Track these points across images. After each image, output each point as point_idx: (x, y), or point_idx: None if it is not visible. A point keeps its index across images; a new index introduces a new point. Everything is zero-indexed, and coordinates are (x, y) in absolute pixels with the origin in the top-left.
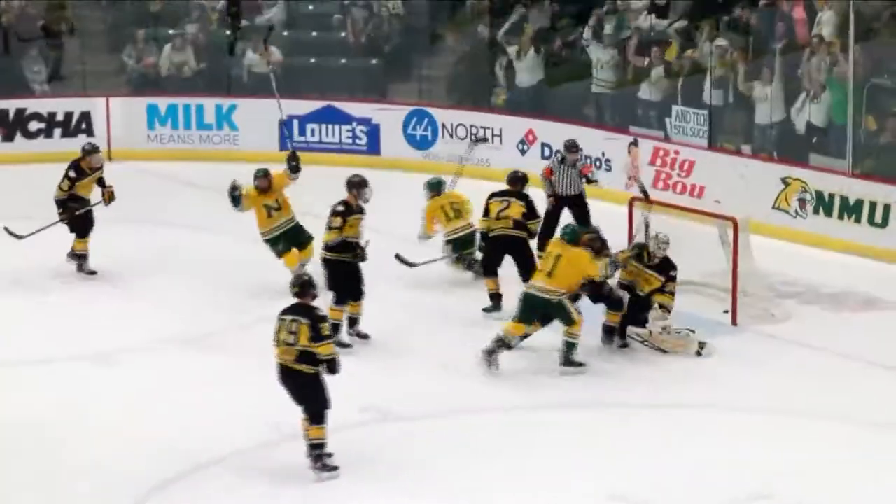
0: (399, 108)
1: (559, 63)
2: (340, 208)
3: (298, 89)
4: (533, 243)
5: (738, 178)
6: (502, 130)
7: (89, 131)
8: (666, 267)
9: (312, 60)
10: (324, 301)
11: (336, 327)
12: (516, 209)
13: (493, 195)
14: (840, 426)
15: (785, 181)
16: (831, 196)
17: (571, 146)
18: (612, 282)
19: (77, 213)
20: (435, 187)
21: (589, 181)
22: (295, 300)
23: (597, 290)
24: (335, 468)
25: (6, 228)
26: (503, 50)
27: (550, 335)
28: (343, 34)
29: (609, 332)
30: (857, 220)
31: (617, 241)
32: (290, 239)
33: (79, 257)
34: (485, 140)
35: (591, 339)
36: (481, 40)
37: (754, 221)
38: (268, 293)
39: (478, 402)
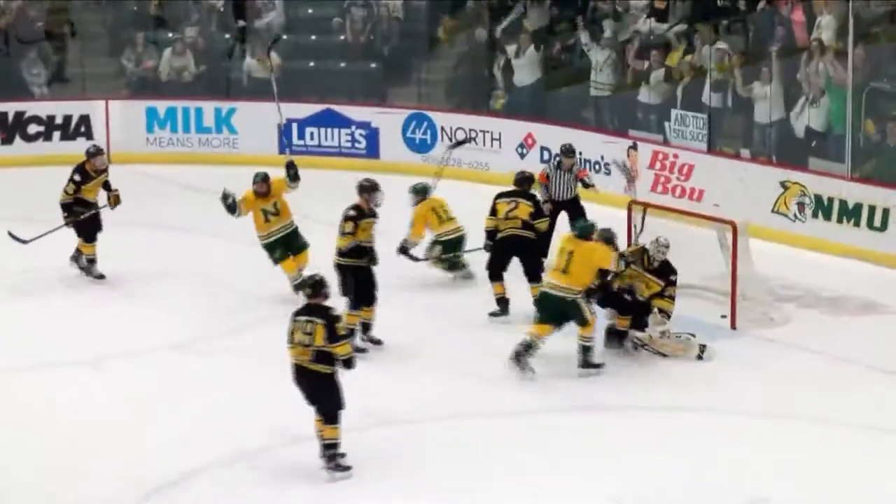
0: (398, 112)
1: (557, 67)
2: (352, 213)
3: (298, 93)
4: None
5: (738, 181)
6: (501, 134)
7: (88, 134)
8: (666, 271)
9: (312, 64)
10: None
11: (351, 332)
12: (524, 210)
13: (500, 195)
14: (839, 430)
15: (784, 185)
16: (830, 200)
17: (568, 151)
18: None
19: (82, 217)
20: (421, 192)
21: (586, 185)
22: (307, 301)
23: (606, 288)
24: (348, 468)
25: (10, 233)
26: (502, 49)
27: (552, 339)
28: (342, 37)
29: (619, 336)
30: (857, 224)
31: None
32: (286, 245)
33: (88, 261)
34: (466, 141)
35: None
36: (480, 42)
37: (753, 225)
38: (267, 295)
39: (479, 405)
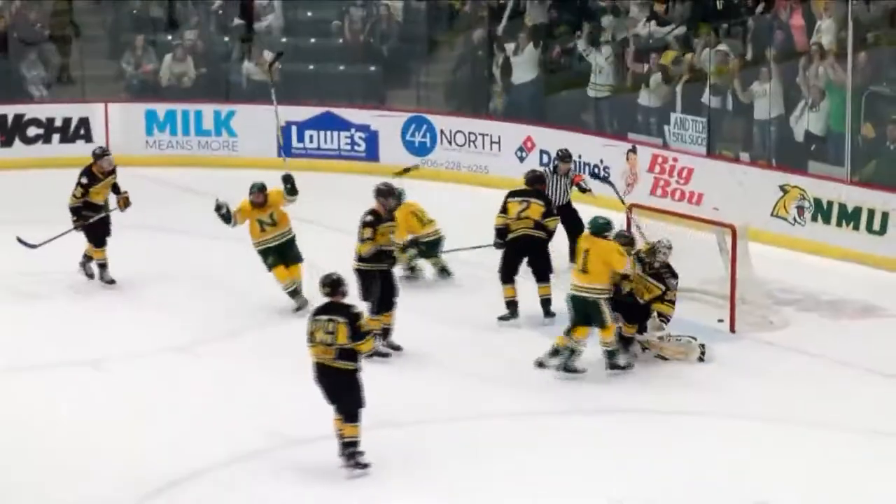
0: (398, 115)
1: (556, 70)
2: (370, 218)
3: (297, 96)
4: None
5: (737, 185)
6: (501, 137)
7: (88, 137)
8: (667, 275)
9: (311, 67)
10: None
11: (377, 334)
12: (536, 210)
13: (511, 194)
14: (838, 433)
15: (783, 188)
16: (829, 203)
17: (565, 156)
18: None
19: (91, 220)
20: (399, 196)
21: (582, 190)
22: (326, 300)
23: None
24: (367, 465)
25: (19, 238)
26: (501, 47)
27: (549, 343)
28: (341, 40)
29: (626, 342)
30: (856, 228)
31: None
32: (280, 253)
33: (99, 266)
34: (416, 167)
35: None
36: (479, 42)
37: (753, 229)
38: (267, 298)
39: (480, 406)
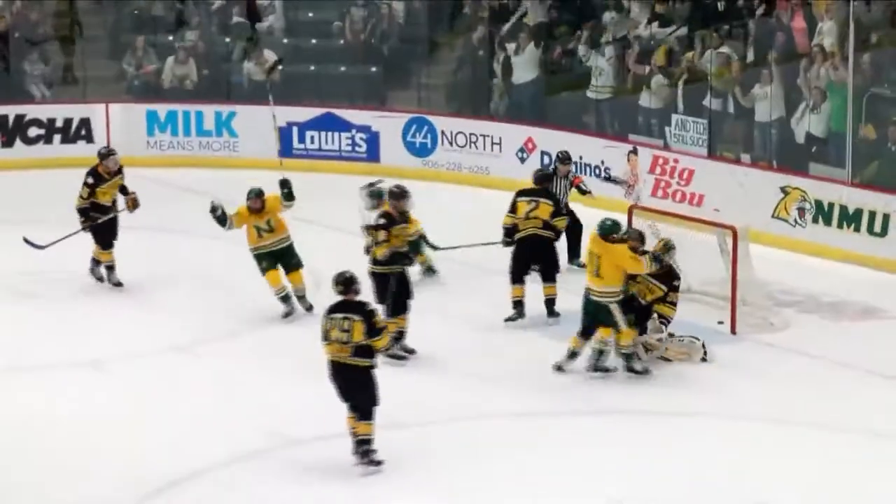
0: (398, 116)
1: (557, 72)
2: (382, 221)
3: (298, 97)
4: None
5: (738, 186)
6: (502, 138)
7: (89, 138)
8: (669, 277)
9: (312, 68)
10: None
11: (395, 339)
12: (545, 209)
13: (520, 193)
14: (838, 434)
15: (784, 190)
16: (830, 205)
17: (565, 158)
18: None
19: (99, 221)
20: (377, 195)
21: (582, 192)
22: (340, 298)
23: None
24: (380, 462)
25: (26, 239)
26: (502, 47)
27: (554, 342)
28: (342, 41)
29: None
30: (857, 230)
31: None
32: (277, 258)
33: (107, 268)
34: (379, 181)
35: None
36: (480, 41)
37: (753, 230)
38: (267, 298)
39: (480, 406)
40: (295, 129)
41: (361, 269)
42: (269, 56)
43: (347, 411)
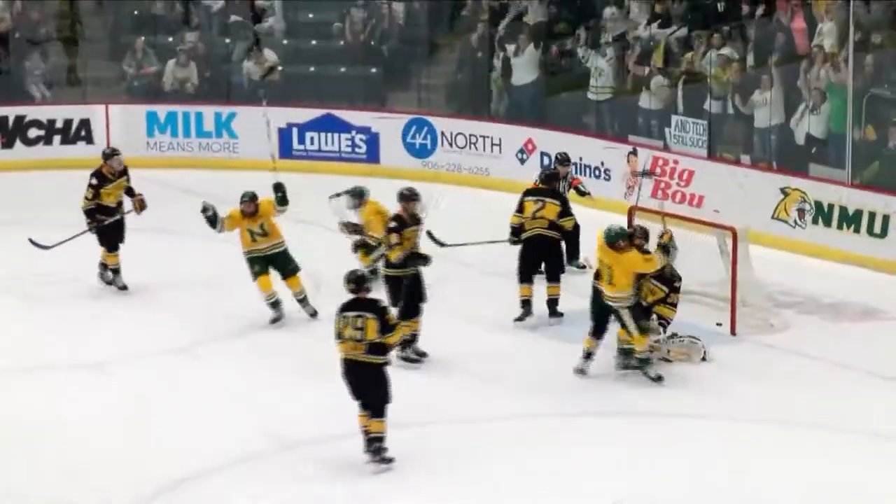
0: (398, 117)
1: (557, 72)
2: (394, 224)
3: (298, 97)
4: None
5: (738, 187)
6: (502, 139)
7: (89, 139)
8: (671, 277)
9: (312, 69)
10: None
11: (407, 342)
12: (552, 210)
13: (528, 192)
14: (838, 435)
15: (784, 191)
16: (830, 206)
17: (564, 159)
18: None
19: (104, 223)
20: (359, 195)
21: (581, 193)
22: (352, 296)
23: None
24: (392, 460)
25: (31, 240)
26: (501, 47)
27: (554, 342)
28: (342, 42)
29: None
30: (857, 231)
31: None
32: (269, 263)
33: (112, 271)
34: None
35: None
36: (479, 43)
37: (753, 231)
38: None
39: (480, 407)
40: (295, 130)
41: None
42: (270, 56)
43: (359, 409)
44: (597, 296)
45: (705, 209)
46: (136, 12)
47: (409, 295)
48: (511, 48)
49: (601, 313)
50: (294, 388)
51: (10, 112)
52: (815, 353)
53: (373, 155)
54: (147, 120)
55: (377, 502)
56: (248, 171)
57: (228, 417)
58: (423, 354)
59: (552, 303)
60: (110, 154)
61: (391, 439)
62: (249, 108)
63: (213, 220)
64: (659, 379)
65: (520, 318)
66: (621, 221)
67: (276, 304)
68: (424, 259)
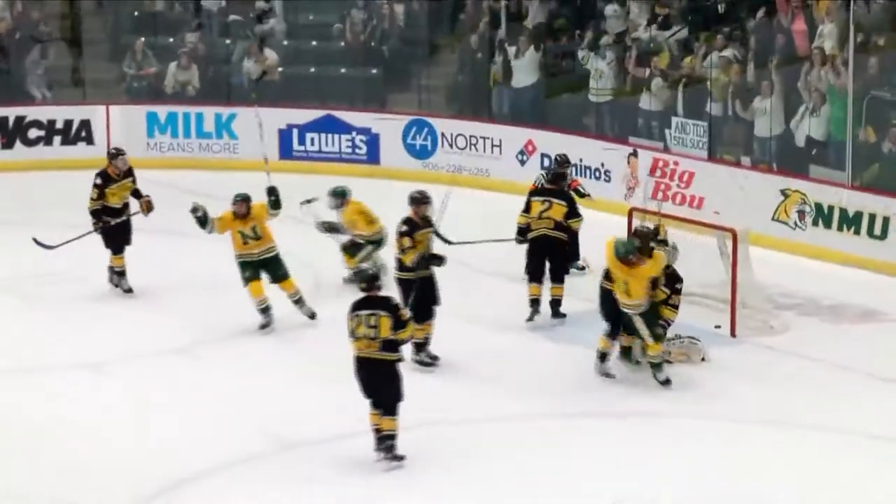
0: (399, 118)
1: (557, 74)
2: (405, 228)
3: (298, 98)
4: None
5: (738, 189)
6: (502, 141)
7: (89, 139)
8: (672, 280)
9: (312, 70)
10: None
11: (420, 346)
12: (558, 210)
13: (534, 192)
14: (838, 437)
15: (784, 193)
16: (830, 208)
17: (563, 161)
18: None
19: (110, 224)
20: (341, 195)
21: (580, 195)
22: (364, 294)
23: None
24: (403, 457)
25: (35, 239)
26: (502, 50)
27: (555, 344)
28: (342, 43)
29: (624, 351)
30: (857, 232)
31: None
32: (261, 268)
33: (117, 274)
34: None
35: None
36: (480, 44)
37: (753, 233)
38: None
39: (480, 408)
40: (295, 131)
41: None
42: (270, 55)
43: (370, 408)
44: (607, 297)
45: (705, 211)
46: (136, 13)
47: (423, 298)
48: (512, 51)
49: (614, 314)
50: (294, 388)
51: (11, 112)
52: (814, 355)
53: (373, 156)
54: (147, 121)
55: (377, 502)
56: (248, 171)
57: (228, 417)
58: (435, 358)
59: (555, 303)
60: (115, 154)
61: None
62: (249, 109)
63: (202, 221)
64: (667, 383)
65: (530, 318)
66: (621, 222)
67: (266, 310)
68: (439, 259)
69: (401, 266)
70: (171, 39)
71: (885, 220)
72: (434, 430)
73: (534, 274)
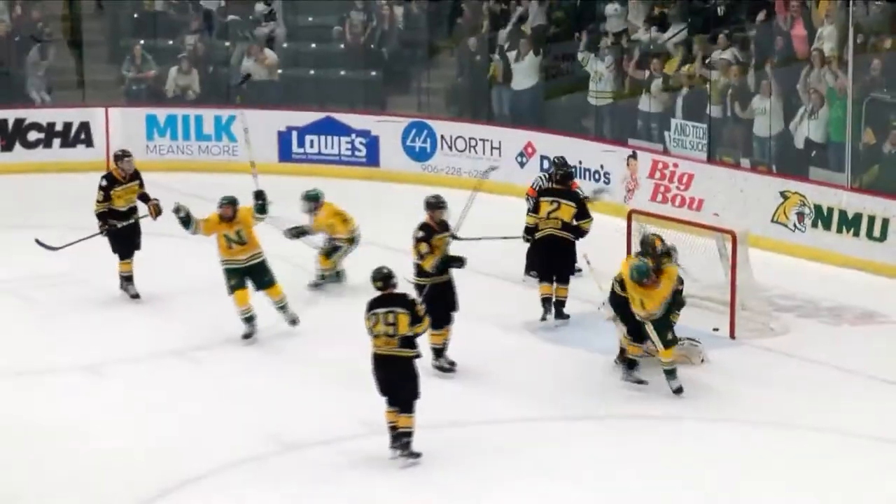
0: (398, 120)
1: (557, 76)
2: (421, 234)
3: (298, 100)
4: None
5: (737, 191)
6: (501, 143)
7: (88, 142)
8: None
9: (312, 72)
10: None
11: (439, 351)
12: (566, 211)
13: (543, 192)
14: (838, 438)
15: (784, 195)
16: (830, 210)
17: (561, 164)
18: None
19: (117, 227)
20: (314, 198)
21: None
22: (380, 293)
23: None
24: (419, 455)
25: (38, 241)
26: (502, 54)
27: (555, 345)
28: (342, 45)
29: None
30: (856, 234)
31: (616, 254)
32: (246, 275)
33: (124, 279)
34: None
35: (597, 353)
36: (479, 47)
37: (753, 235)
38: (265, 303)
39: (482, 410)
40: (294, 134)
41: (356, 270)
42: (270, 55)
43: (387, 405)
44: (620, 302)
45: (705, 212)
46: (135, 15)
47: (441, 303)
48: (511, 55)
49: (633, 318)
50: (295, 389)
51: (10, 115)
52: (814, 357)
53: (372, 158)
54: (147, 123)
55: (377, 502)
56: (247, 174)
57: (229, 418)
58: (452, 364)
59: (559, 304)
60: (121, 155)
61: (390, 440)
62: (250, 111)
63: (185, 222)
64: (680, 391)
65: (543, 318)
66: (621, 223)
67: (250, 320)
68: (459, 261)
69: (419, 271)
70: (171, 42)
71: (885, 222)
72: (433, 430)
73: (544, 275)
